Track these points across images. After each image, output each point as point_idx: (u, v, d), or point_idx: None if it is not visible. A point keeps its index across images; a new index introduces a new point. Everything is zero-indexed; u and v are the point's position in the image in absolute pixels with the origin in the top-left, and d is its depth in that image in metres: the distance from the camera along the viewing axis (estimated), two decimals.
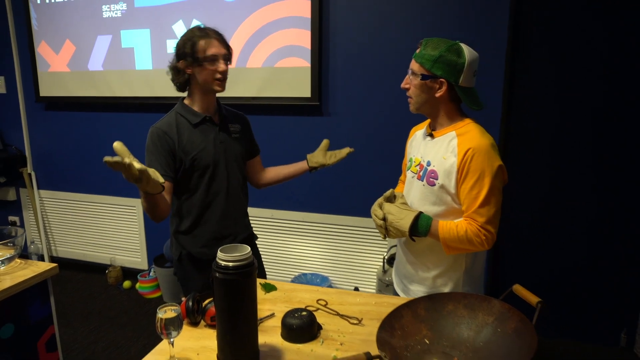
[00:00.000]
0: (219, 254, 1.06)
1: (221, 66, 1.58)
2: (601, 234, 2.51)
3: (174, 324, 1.07)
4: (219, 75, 1.59)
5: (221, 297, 1.07)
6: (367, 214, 2.86)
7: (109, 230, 3.52)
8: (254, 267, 1.07)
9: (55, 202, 3.62)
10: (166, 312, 1.08)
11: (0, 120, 3.63)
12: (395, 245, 2.74)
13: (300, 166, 1.90)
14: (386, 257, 2.65)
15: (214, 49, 1.57)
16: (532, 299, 1.10)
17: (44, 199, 3.65)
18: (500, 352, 1.06)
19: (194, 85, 1.63)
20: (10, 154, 3.57)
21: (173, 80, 1.64)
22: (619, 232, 2.48)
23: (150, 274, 3.29)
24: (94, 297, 3.28)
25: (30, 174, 3.60)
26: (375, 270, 2.85)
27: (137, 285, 3.31)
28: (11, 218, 3.82)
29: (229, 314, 1.07)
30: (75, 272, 3.64)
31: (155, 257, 3.26)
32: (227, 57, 1.62)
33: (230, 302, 1.06)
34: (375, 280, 2.81)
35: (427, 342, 1.16)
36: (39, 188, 3.64)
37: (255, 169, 1.91)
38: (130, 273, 3.48)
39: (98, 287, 3.43)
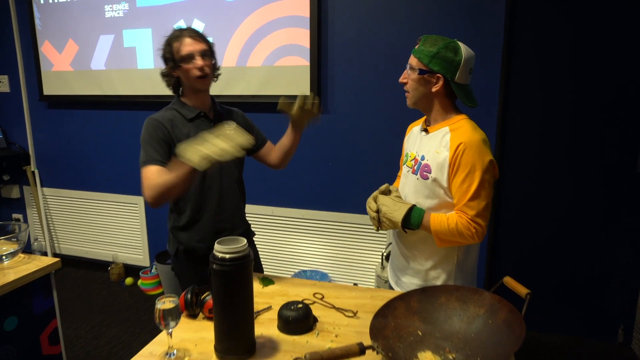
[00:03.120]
0: (216, 246, 1.09)
1: (198, 62, 1.57)
2: (599, 229, 2.52)
3: (172, 315, 1.10)
4: (198, 72, 1.58)
5: (218, 288, 1.10)
6: (366, 211, 2.90)
7: (112, 228, 3.56)
8: (250, 259, 1.10)
9: (59, 199, 3.66)
10: (165, 303, 1.11)
11: (4, 118, 3.67)
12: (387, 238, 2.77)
13: (289, 132, 1.82)
14: (384, 254, 2.68)
15: (188, 47, 1.57)
16: (522, 290, 1.13)
17: (47, 197, 3.69)
18: (490, 342, 1.08)
19: (185, 86, 1.66)
20: (14, 152, 3.61)
21: (166, 84, 1.69)
22: (617, 227, 2.49)
23: (152, 271, 3.32)
24: (96, 293, 3.32)
25: (33, 172, 3.64)
26: (374, 266, 2.87)
27: (139, 282, 3.35)
28: (15, 215, 3.86)
29: (225, 305, 1.10)
30: (77, 269, 3.68)
31: (157, 254, 3.30)
32: (206, 53, 1.61)
33: (226, 293, 1.09)
34: (374, 277, 2.84)
35: (420, 333, 1.18)
36: (42, 186, 3.68)
37: (268, 155, 1.87)
38: (132, 270, 3.52)
39: (100, 283, 3.47)
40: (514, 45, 2.46)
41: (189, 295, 1.32)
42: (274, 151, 1.88)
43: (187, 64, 1.58)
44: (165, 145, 1.58)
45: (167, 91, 1.75)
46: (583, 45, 2.38)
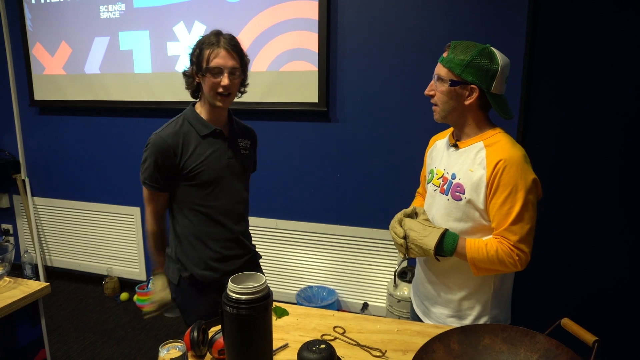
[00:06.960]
0: (230, 285, 0.94)
1: (224, 80, 1.44)
2: (624, 248, 2.38)
3: None
4: (220, 90, 1.46)
5: (232, 333, 0.94)
6: (377, 225, 2.75)
7: (106, 240, 3.38)
8: (270, 300, 0.95)
9: (50, 209, 3.49)
10: (169, 351, 0.95)
11: None
12: (407, 259, 2.62)
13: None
14: (397, 271, 2.53)
15: (219, 60, 1.44)
16: (586, 336, 0.98)
17: (38, 207, 3.51)
18: None
19: (203, 94, 1.53)
20: (3, 160, 3.42)
21: (186, 85, 1.56)
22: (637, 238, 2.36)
23: (149, 286, 3.15)
24: (89, 309, 3.14)
25: (24, 181, 3.46)
26: (386, 284, 2.72)
27: (135, 297, 3.17)
28: (4, 226, 3.68)
29: (240, 352, 0.95)
30: (70, 283, 3.50)
31: None
32: (235, 70, 1.47)
33: (241, 339, 0.94)
34: (385, 295, 2.68)
35: None
36: (33, 195, 3.50)
37: None
38: (128, 284, 3.35)
39: (94, 299, 3.29)
40: (536, 44, 2.33)
41: (195, 333, 1.16)
42: None
43: (213, 77, 1.45)
44: (170, 171, 1.50)
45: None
46: (619, 43, 2.25)
